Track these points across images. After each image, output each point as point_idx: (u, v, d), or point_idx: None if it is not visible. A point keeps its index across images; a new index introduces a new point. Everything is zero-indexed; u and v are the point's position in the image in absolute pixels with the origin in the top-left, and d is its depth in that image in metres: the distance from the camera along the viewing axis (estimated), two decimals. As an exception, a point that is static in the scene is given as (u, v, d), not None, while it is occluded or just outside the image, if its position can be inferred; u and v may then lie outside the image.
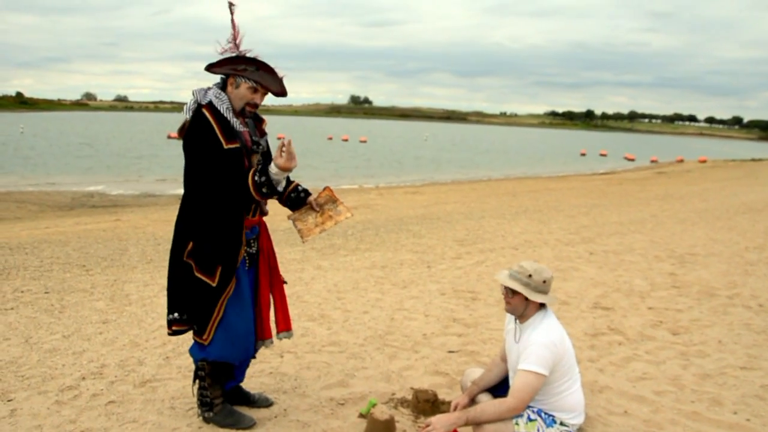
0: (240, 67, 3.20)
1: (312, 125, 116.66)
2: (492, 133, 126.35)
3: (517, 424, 3.18)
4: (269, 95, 3.37)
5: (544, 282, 3.23)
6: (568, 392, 3.28)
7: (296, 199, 3.62)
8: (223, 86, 3.27)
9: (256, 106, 3.31)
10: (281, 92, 3.35)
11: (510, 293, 3.29)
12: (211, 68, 3.22)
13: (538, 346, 3.14)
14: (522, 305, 3.27)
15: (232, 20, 3.23)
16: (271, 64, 3.25)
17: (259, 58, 3.22)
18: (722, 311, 5.91)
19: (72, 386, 4.02)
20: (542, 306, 3.30)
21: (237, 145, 3.17)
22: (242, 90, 3.23)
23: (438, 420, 3.15)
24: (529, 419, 3.22)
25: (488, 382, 3.54)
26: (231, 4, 3.23)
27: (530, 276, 3.23)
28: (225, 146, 3.12)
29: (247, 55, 3.23)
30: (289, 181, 3.66)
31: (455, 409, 3.46)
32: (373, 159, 39.03)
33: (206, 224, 3.19)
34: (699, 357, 4.69)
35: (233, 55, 3.22)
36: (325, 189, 3.73)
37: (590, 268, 7.72)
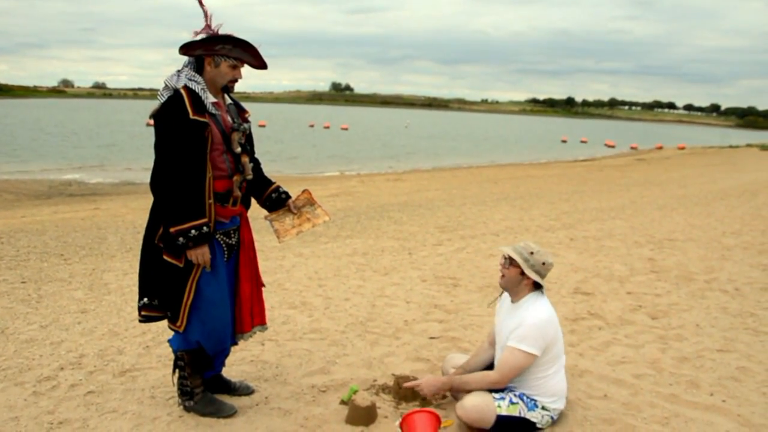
0: (217, 47, 3.17)
1: (293, 112, 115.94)
2: (473, 120, 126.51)
3: (499, 406, 3.22)
4: (251, 69, 3.37)
5: (543, 264, 3.28)
6: (553, 377, 3.33)
7: (276, 201, 3.67)
8: (198, 67, 3.23)
9: (236, 81, 3.31)
10: (261, 65, 3.34)
11: (507, 264, 3.33)
12: (185, 50, 3.18)
13: (531, 327, 3.19)
14: (516, 279, 3.31)
15: (201, 5, 3.20)
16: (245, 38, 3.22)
17: (234, 35, 3.19)
18: (700, 295, 5.99)
19: (50, 377, 3.97)
20: (536, 288, 3.34)
21: (204, 120, 3.13)
22: (223, 68, 3.22)
23: (426, 381, 3.36)
24: (511, 402, 3.26)
25: (475, 367, 3.58)
26: None
27: (532, 253, 3.28)
28: (191, 116, 3.08)
29: (220, 32, 3.19)
30: (269, 182, 3.68)
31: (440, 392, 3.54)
32: (354, 146, 38.91)
33: (169, 198, 3.12)
34: (677, 340, 4.75)
35: (206, 35, 3.18)
36: (304, 192, 3.74)
37: (571, 253, 7.78)
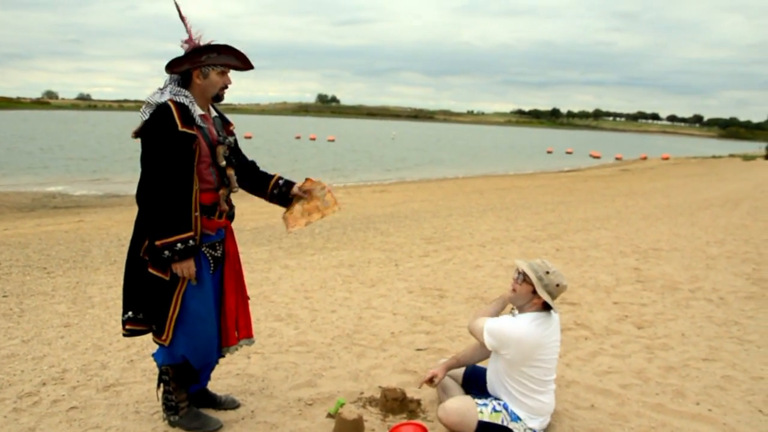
0: (202, 57, 3.16)
1: (279, 124, 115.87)
2: (459, 132, 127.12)
3: (481, 412, 3.21)
4: (236, 82, 3.40)
5: (557, 286, 3.23)
6: (537, 396, 3.28)
7: (281, 195, 3.67)
8: (184, 83, 3.22)
9: (227, 87, 3.30)
10: (248, 66, 3.34)
11: (520, 279, 3.28)
12: (172, 68, 3.16)
13: (503, 326, 3.24)
14: (526, 297, 3.27)
15: (181, 17, 3.18)
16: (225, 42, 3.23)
17: (215, 42, 3.19)
18: (685, 305, 6.02)
19: (31, 392, 3.91)
20: (544, 309, 3.28)
21: (192, 132, 3.11)
22: (213, 77, 3.21)
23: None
24: (495, 410, 3.25)
25: (469, 359, 3.62)
26: (176, 4, 3.21)
27: (547, 273, 3.22)
28: (180, 128, 3.06)
29: (202, 43, 3.18)
30: (269, 175, 3.67)
31: (431, 379, 3.57)
32: (341, 158, 38.94)
33: (155, 211, 3.10)
34: (663, 350, 4.77)
35: (190, 50, 3.17)
36: (306, 181, 3.73)
37: (557, 264, 7.80)
